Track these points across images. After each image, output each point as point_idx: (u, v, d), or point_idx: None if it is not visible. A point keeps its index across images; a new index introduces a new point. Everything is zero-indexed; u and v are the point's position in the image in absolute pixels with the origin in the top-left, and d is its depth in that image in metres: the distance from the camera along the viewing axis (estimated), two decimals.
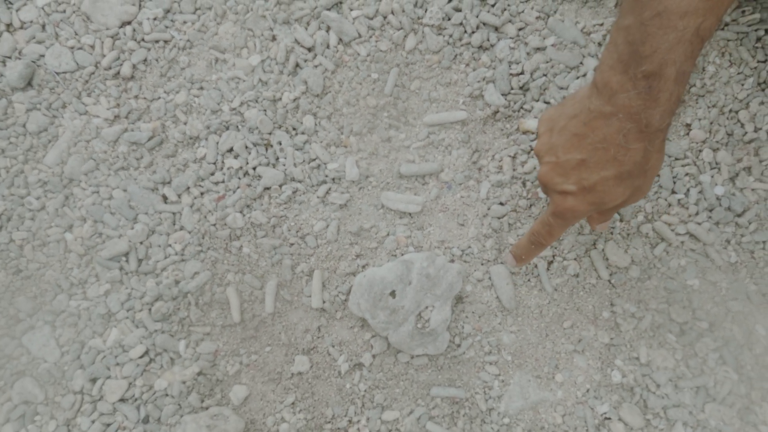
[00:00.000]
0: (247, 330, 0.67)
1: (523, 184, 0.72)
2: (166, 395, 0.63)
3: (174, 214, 0.68)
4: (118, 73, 0.73)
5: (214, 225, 0.68)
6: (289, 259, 0.68)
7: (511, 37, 0.74)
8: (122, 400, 0.63)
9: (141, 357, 0.64)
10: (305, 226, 0.69)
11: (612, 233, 0.70)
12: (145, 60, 0.73)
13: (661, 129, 0.48)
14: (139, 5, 0.74)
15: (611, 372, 0.66)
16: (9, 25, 0.73)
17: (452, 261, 0.68)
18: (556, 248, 0.70)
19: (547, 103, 0.73)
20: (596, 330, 0.68)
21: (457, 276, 0.65)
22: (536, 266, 0.70)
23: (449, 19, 0.74)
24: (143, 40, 0.74)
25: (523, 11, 0.75)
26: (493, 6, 0.75)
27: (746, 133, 0.73)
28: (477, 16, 0.74)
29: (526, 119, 0.73)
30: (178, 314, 0.65)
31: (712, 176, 0.72)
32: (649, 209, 0.71)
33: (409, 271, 0.64)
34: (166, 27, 0.74)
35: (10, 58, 0.72)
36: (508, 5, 0.76)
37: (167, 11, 0.74)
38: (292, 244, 0.69)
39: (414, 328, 0.63)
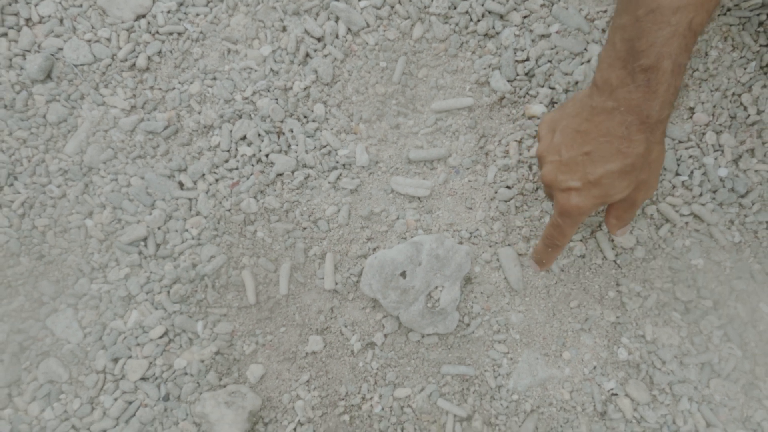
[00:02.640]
0: (263, 311, 0.72)
1: (530, 167, 0.76)
2: (186, 374, 0.69)
3: (190, 200, 0.74)
4: (134, 65, 0.78)
5: (229, 210, 0.73)
6: (302, 243, 0.73)
7: (516, 25, 0.79)
8: (143, 378, 0.68)
9: (161, 337, 0.69)
10: (317, 210, 0.74)
11: None
12: (160, 52, 0.79)
13: (660, 120, 0.53)
14: None
15: (618, 349, 0.71)
16: (28, 20, 0.79)
17: (461, 243, 0.73)
18: None
19: (552, 88, 0.77)
20: (602, 309, 0.72)
21: (465, 257, 0.70)
22: None
23: (455, 8, 0.79)
24: (157, 32, 0.79)
25: None
26: None
27: (749, 116, 0.78)
28: (482, 5, 0.79)
29: (532, 104, 0.77)
30: (195, 296, 0.71)
31: (716, 158, 0.77)
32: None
33: (419, 252, 0.69)
34: (180, 20, 0.80)
35: (29, 51, 0.77)
36: None
37: (180, 4, 0.80)
38: (304, 228, 0.74)
39: (424, 308, 0.68)
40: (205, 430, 0.68)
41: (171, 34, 0.81)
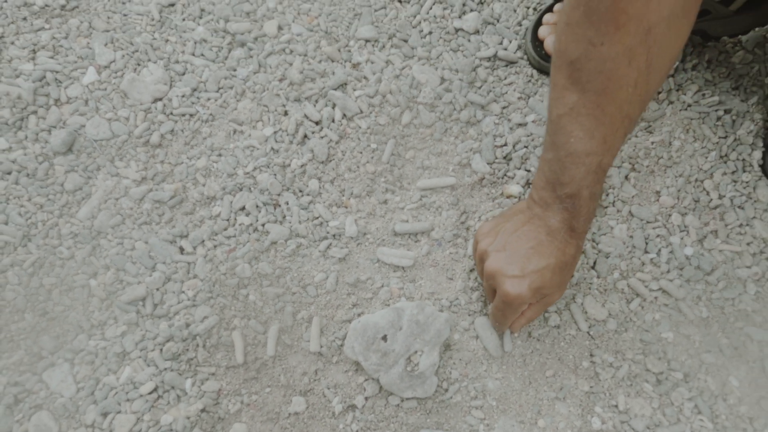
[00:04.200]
0: (249, 371, 0.76)
1: None
2: (171, 430, 0.72)
3: (189, 264, 0.81)
4: (148, 141, 0.88)
5: (225, 274, 0.80)
6: (291, 307, 0.79)
7: (495, 114, 0.89)
8: None
9: (150, 393, 0.74)
10: (307, 276, 0.81)
11: (590, 289, 0.81)
12: (172, 131, 0.89)
13: (584, 231, 0.69)
14: (170, 84, 0.91)
15: (591, 419, 0.74)
16: (57, 100, 0.90)
17: (441, 311, 0.78)
18: None
19: (528, 171, 0.86)
20: (577, 378, 0.77)
21: (444, 324, 0.76)
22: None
23: (440, 98, 0.89)
24: (171, 113, 0.90)
25: (506, 93, 0.91)
26: (479, 88, 0.91)
27: (711, 200, 0.86)
28: (465, 96, 0.90)
29: (510, 185, 0.86)
30: (186, 354, 0.76)
31: (682, 238, 0.84)
32: (624, 267, 0.82)
33: (400, 318, 0.75)
34: (192, 103, 0.91)
35: (55, 127, 0.87)
36: (493, 88, 0.92)
37: (194, 89, 0.91)
38: (294, 293, 0.80)
39: (404, 371, 0.73)
40: None
41: (184, 115, 0.92)
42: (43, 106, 0.92)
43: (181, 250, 0.85)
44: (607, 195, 0.89)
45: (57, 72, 0.94)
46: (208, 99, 0.94)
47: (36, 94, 0.92)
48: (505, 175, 0.90)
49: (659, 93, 0.95)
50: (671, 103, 0.95)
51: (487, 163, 0.90)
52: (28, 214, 0.86)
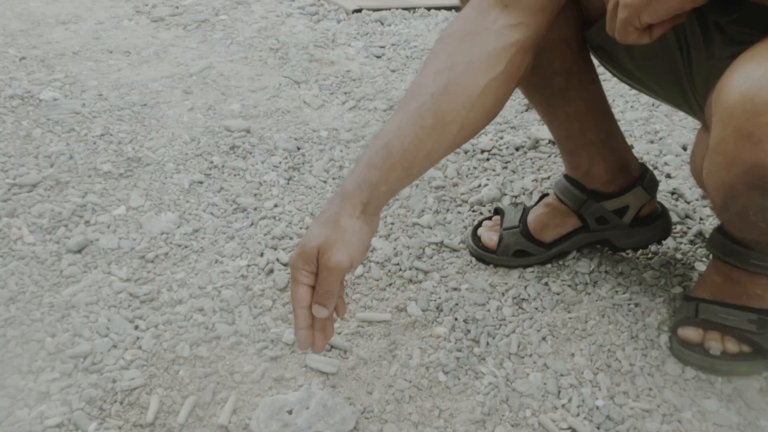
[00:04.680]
0: None
1: (427, 368, 0.91)
2: None
3: (138, 338, 0.91)
4: (144, 256, 1.08)
5: (165, 350, 0.89)
6: (214, 386, 0.86)
7: (435, 280, 1.06)
8: None
9: (53, 427, 0.77)
10: (237, 365, 0.89)
11: (501, 420, 0.85)
12: (167, 254, 1.10)
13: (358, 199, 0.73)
14: (178, 225, 1.15)
15: None
16: (87, 222, 1.14)
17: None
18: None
19: (456, 319, 0.98)
20: None
21: (351, 415, 0.81)
22: None
23: (390, 260, 1.09)
24: (171, 242, 1.12)
25: (446, 267, 1.09)
26: (425, 262, 1.10)
27: (622, 366, 0.95)
28: (412, 263, 1.08)
29: (437, 327, 0.98)
30: (102, 404, 0.81)
31: (593, 392, 0.90)
32: (536, 407, 0.87)
33: (310, 398, 0.81)
34: (190, 239, 1.13)
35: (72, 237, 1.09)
36: (436, 263, 1.11)
37: (195, 230, 1.15)
38: (221, 376, 0.88)
39: None
40: None
41: (180, 245, 1.13)
42: (74, 223, 1.15)
43: (136, 327, 0.95)
44: (525, 348, 0.97)
45: (96, 204, 1.20)
46: (203, 238, 1.16)
47: (74, 215, 1.17)
48: (435, 320, 1.01)
49: (577, 285, 1.11)
50: (588, 294, 1.10)
51: (421, 310, 1.03)
52: (23, 286, 1.00)
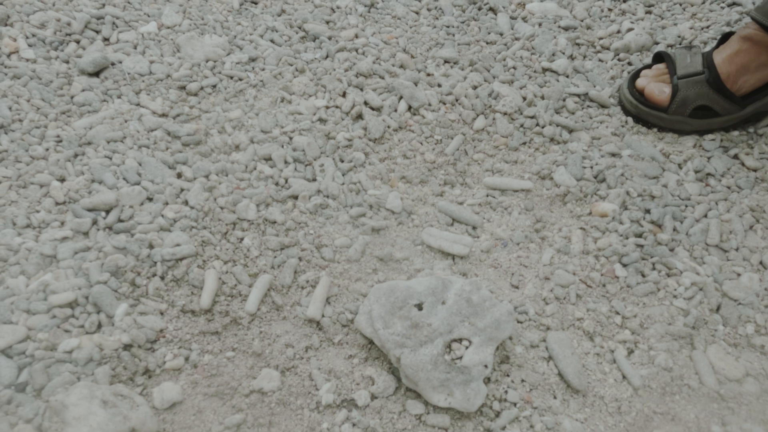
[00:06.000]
0: (213, 323, 0.52)
1: (596, 257, 0.62)
2: (68, 361, 0.46)
3: (182, 189, 0.62)
4: (185, 87, 0.77)
5: (222, 208, 0.60)
6: (295, 263, 0.57)
7: (584, 141, 0.76)
8: (5, 349, 0.46)
9: (62, 307, 0.49)
10: (326, 237, 0.61)
11: (714, 337, 0.57)
12: (215, 86, 0.78)
13: None
14: (229, 52, 0.83)
15: None
16: (106, 39, 0.82)
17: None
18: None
19: (628, 193, 0.68)
20: None
21: (507, 316, 0.52)
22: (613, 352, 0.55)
23: (521, 112, 0.78)
24: (220, 72, 0.80)
25: (597, 127, 0.78)
26: (566, 118, 0.78)
27: None
28: (551, 116, 0.77)
29: (601, 203, 0.68)
30: (134, 276, 0.53)
31: None
32: (762, 321, 0.58)
33: (446, 289, 0.52)
34: (245, 70, 0.81)
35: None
36: (582, 120, 0.79)
37: (252, 59, 0.82)
38: (304, 250, 0.59)
39: (440, 355, 0.48)
40: None
41: (232, 77, 0.82)
42: (89, 38, 0.84)
43: (179, 175, 0.66)
44: (727, 239, 0.68)
45: (117, 18, 0.88)
46: (263, 69, 0.84)
47: (87, 27, 0.85)
48: (595, 193, 0.71)
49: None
50: None
51: (575, 179, 0.73)
52: (19, 111, 0.71)
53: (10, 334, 0.49)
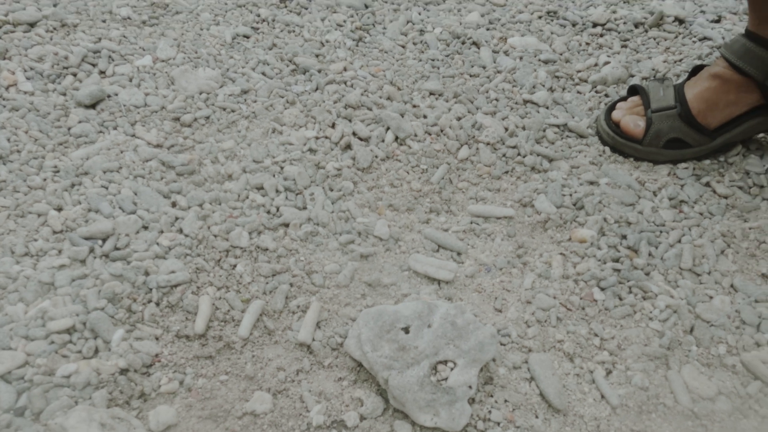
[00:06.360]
0: (207, 348, 0.54)
1: (575, 282, 0.65)
2: (66, 386, 0.48)
3: (176, 218, 0.64)
4: (179, 119, 0.79)
5: (216, 235, 0.63)
6: (286, 289, 0.59)
7: (563, 170, 0.79)
8: (5, 375, 0.48)
9: (60, 333, 0.51)
10: (316, 264, 0.63)
11: (687, 357, 0.59)
12: (208, 117, 0.81)
13: None
14: (222, 85, 0.86)
15: None
16: (102, 72, 0.85)
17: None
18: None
19: (605, 220, 0.72)
20: None
21: (490, 338, 0.54)
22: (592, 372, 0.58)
23: (503, 143, 0.81)
24: (213, 104, 0.83)
25: (576, 156, 0.82)
26: (546, 148, 0.82)
27: None
28: (531, 146, 0.81)
29: (580, 230, 0.71)
30: (131, 303, 0.55)
31: None
32: (733, 342, 0.61)
33: (432, 313, 0.55)
34: (238, 102, 0.84)
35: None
36: (562, 149, 0.83)
37: (244, 91, 0.85)
38: (295, 276, 0.61)
39: (426, 377, 0.50)
40: None
41: (225, 109, 0.84)
42: (85, 72, 0.86)
43: (174, 204, 0.68)
44: (700, 263, 0.71)
45: (113, 51, 0.91)
46: (255, 101, 0.87)
47: (84, 61, 0.88)
48: (575, 220, 0.75)
49: (750, 187, 0.83)
50: (766, 199, 0.82)
51: (555, 206, 0.76)
52: (17, 143, 0.73)
53: (9, 360, 0.50)
